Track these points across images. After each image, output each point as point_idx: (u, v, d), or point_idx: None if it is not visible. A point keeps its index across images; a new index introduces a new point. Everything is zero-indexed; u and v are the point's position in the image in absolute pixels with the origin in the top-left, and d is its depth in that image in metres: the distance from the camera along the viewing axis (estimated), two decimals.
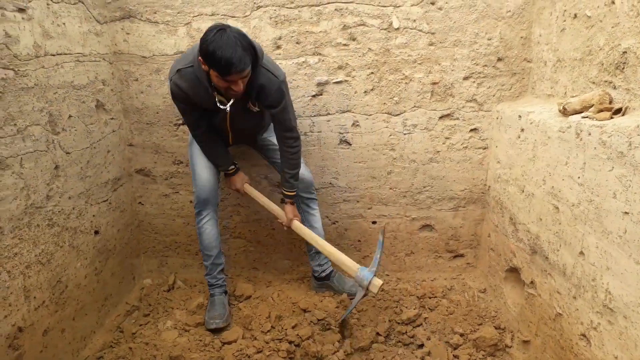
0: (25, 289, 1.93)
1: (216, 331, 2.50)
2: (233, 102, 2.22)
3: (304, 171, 2.65)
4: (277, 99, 2.27)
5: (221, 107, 2.24)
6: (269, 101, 2.28)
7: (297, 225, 2.61)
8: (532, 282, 2.25)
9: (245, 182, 2.69)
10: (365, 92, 2.75)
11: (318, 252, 2.79)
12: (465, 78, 2.70)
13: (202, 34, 2.63)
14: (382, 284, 2.38)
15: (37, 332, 1.99)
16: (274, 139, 2.62)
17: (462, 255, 3.10)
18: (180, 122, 2.86)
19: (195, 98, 2.25)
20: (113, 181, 2.72)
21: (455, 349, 2.37)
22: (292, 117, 2.39)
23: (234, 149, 2.74)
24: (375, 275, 2.36)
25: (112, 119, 2.71)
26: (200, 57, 2.04)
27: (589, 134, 1.75)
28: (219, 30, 1.97)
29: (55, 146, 2.15)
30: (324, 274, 2.81)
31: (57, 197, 2.16)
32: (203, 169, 2.55)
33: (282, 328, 2.50)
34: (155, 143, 2.93)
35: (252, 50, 2.04)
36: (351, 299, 2.74)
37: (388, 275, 3.08)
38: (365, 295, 2.40)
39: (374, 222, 3.05)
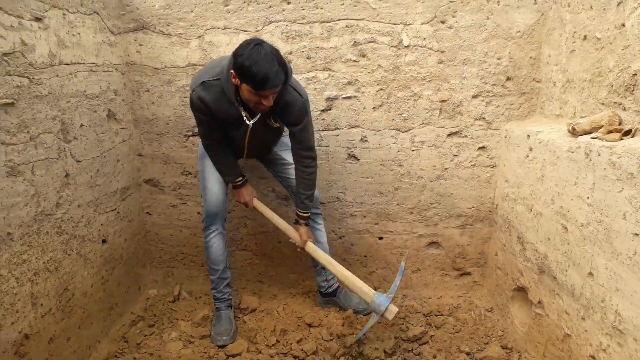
0: (32, 295, 1.93)
1: (222, 346, 2.49)
2: (257, 117, 2.28)
3: None
4: (299, 117, 2.28)
5: (247, 122, 2.28)
6: (292, 119, 2.29)
7: (311, 247, 2.57)
8: (539, 302, 2.23)
9: (254, 196, 2.66)
10: (374, 108, 2.77)
11: (324, 268, 2.78)
12: (474, 96, 2.72)
13: (214, 47, 2.70)
14: (398, 311, 2.38)
15: (43, 340, 1.98)
16: (284, 154, 2.64)
17: (469, 274, 3.09)
18: (190, 133, 2.88)
19: (218, 111, 2.26)
20: (122, 190, 2.73)
21: None
22: (311, 136, 2.40)
23: (242, 162, 2.75)
24: (391, 302, 2.35)
25: (122, 128, 2.74)
26: (232, 71, 2.05)
27: (599, 155, 1.75)
28: (256, 44, 1.99)
29: (66, 154, 2.17)
30: (330, 290, 2.80)
31: (67, 205, 2.18)
32: (213, 183, 2.55)
33: (287, 342, 2.49)
34: (164, 154, 2.95)
35: (284, 67, 2.06)
36: (357, 314, 2.72)
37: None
38: (378, 321, 2.40)
39: (380, 238, 3.05)
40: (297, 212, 2.56)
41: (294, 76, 2.72)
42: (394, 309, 2.33)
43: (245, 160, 2.75)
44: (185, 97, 2.82)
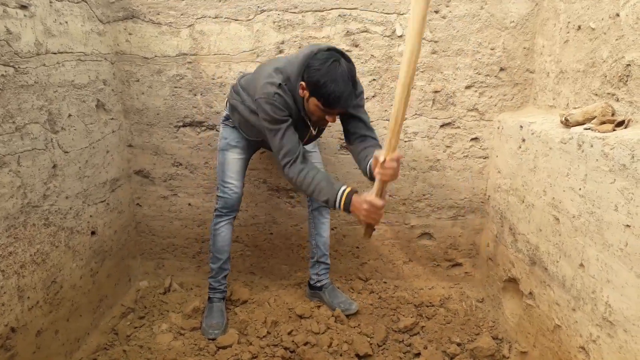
0: (19, 288, 1.90)
1: (213, 339, 2.47)
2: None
3: None
4: (361, 100, 2.20)
5: (312, 129, 2.21)
6: (356, 101, 2.14)
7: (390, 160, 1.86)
8: (530, 293, 2.23)
9: (369, 196, 1.95)
10: (366, 98, 2.74)
11: (319, 262, 2.76)
12: (467, 87, 2.70)
13: (204, 37, 2.67)
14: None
15: (30, 333, 1.96)
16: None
17: (460, 265, 3.09)
18: (180, 124, 2.85)
19: (291, 115, 2.12)
20: (111, 182, 2.70)
21: (452, 358, 2.35)
22: None
23: None
24: None
25: (112, 119, 2.70)
26: (303, 82, 1.96)
27: (591, 146, 1.75)
28: (334, 60, 1.90)
29: (53, 145, 2.14)
30: (318, 284, 2.79)
31: (54, 196, 2.14)
32: (234, 177, 2.51)
33: (278, 334, 2.48)
34: (154, 144, 2.91)
35: (356, 86, 2.00)
36: (347, 316, 2.66)
37: (386, 282, 3.06)
38: None
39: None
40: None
41: None
42: None
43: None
44: (175, 87, 2.78)
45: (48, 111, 2.09)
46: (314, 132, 2.26)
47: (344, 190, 2.01)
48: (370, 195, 1.93)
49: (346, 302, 2.74)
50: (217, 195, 2.57)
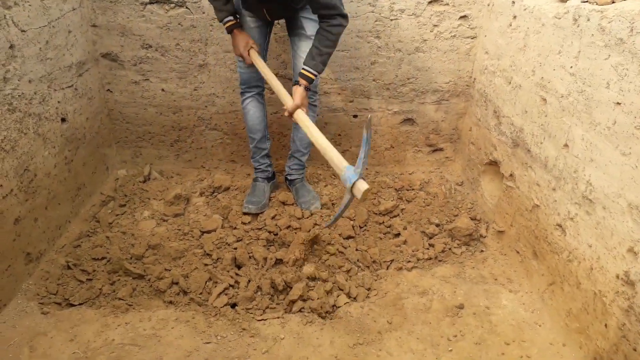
0: None
1: (247, 214, 2.52)
2: None
3: None
4: None
5: None
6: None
7: (300, 116, 2.11)
8: (511, 175, 2.26)
9: (251, 47, 2.31)
10: None
11: (293, 156, 2.68)
12: None
13: None
14: (368, 189, 1.76)
15: (7, 221, 1.92)
16: (305, 22, 2.33)
17: (441, 149, 3.09)
18: (147, 1, 2.60)
19: None
20: (77, 65, 2.52)
21: (430, 238, 2.43)
22: None
23: None
24: (361, 177, 1.78)
25: None
26: None
27: (588, 20, 1.65)
28: None
29: (7, 22, 1.94)
30: (289, 178, 2.76)
31: (16, 79, 1.99)
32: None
33: (261, 218, 2.50)
34: (121, 24, 2.68)
35: None
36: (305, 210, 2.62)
37: (367, 168, 3.07)
38: (351, 199, 1.85)
39: (354, 116, 2.97)
40: (303, 68, 2.19)
41: None
42: (362, 186, 1.75)
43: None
44: None
45: None
46: None
47: (228, 20, 2.29)
48: (253, 53, 2.30)
49: (309, 202, 2.64)
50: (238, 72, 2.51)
